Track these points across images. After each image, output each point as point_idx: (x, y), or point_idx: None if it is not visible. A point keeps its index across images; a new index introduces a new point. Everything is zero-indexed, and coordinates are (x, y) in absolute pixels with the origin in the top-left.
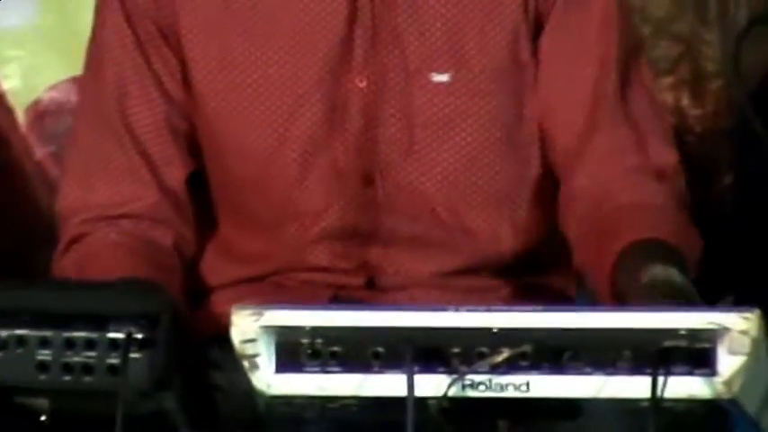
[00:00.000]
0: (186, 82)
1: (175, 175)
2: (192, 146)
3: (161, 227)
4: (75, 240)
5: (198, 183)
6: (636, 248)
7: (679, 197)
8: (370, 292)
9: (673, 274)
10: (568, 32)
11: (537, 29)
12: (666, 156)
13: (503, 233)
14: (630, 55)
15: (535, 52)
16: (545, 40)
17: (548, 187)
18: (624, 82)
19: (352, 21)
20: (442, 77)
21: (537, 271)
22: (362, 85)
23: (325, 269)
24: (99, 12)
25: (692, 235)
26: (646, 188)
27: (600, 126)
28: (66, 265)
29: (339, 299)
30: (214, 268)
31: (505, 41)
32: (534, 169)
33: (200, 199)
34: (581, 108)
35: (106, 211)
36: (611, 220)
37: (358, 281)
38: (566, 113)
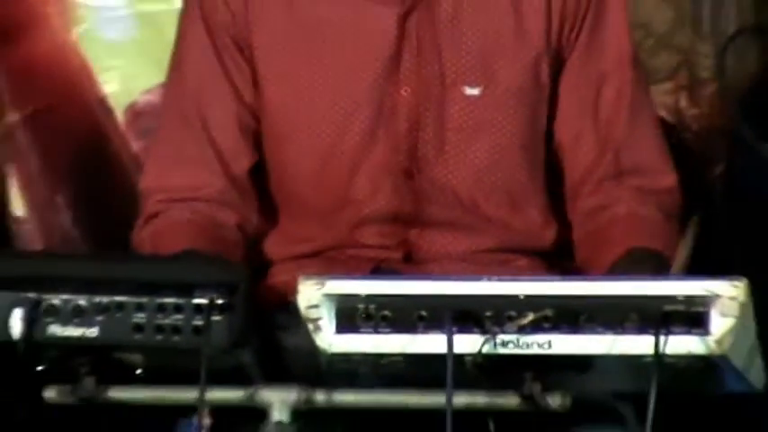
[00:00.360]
0: (257, 87)
1: (241, 165)
2: (258, 141)
3: (227, 209)
4: (153, 216)
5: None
6: (627, 258)
7: (671, 212)
8: (407, 265)
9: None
10: (588, 67)
11: (556, 57)
12: (666, 179)
13: (515, 223)
14: (639, 89)
15: (552, 75)
16: (567, 73)
17: (555, 188)
18: (634, 112)
19: (401, 40)
20: (474, 91)
21: (550, 252)
22: (406, 94)
23: (369, 246)
24: (182, 23)
25: (677, 244)
26: (643, 203)
27: (609, 150)
28: (144, 236)
29: (380, 270)
30: (276, 247)
31: (530, 65)
32: (540, 170)
33: (264, 187)
34: (597, 136)
35: (181, 193)
36: (607, 228)
37: (397, 255)
38: (583, 140)
